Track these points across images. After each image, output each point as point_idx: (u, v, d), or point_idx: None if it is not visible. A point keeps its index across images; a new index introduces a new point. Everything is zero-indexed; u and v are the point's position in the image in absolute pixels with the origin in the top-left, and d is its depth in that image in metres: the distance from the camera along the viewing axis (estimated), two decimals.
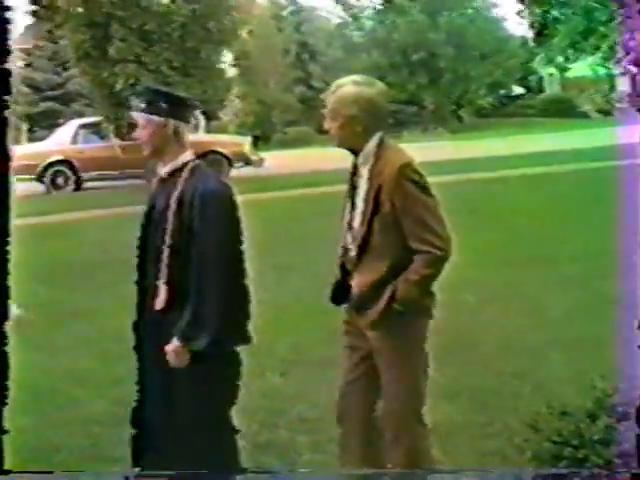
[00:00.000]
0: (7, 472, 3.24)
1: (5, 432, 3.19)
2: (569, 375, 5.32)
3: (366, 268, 3.65)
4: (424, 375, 3.81)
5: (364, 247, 3.64)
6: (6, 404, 3.14)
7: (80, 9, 19.76)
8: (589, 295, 7.51)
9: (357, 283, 3.70)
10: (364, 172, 3.67)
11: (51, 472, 3.98)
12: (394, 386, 3.70)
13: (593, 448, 3.49)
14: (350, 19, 39.72)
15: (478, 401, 5.27)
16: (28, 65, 35.67)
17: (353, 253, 3.70)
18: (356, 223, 3.68)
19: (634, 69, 3.30)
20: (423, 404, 3.79)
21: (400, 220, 3.55)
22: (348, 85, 3.65)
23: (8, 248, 3.08)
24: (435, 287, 3.70)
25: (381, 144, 3.66)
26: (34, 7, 24.79)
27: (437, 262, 3.55)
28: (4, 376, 3.15)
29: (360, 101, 3.59)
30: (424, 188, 3.59)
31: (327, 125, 3.70)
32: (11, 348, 7.05)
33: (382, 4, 39.02)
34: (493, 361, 6.08)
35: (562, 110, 35.32)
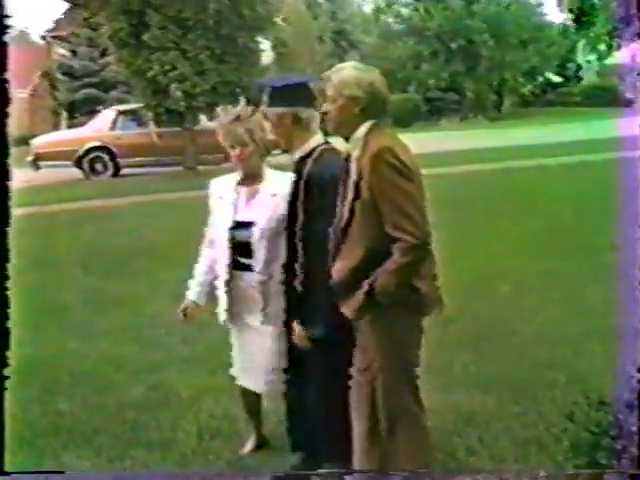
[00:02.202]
0: (7, 474, 3.26)
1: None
2: (606, 366, 5.27)
3: (345, 254, 3.60)
4: (410, 373, 3.67)
5: (345, 233, 3.59)
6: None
7: None
8: (627, 285, 7.40)
9: (336, 270, 3.63)
10: (353, 157, 3.61)
11: (49, 472, 4.01)
12: (381, 379, 3.62)
13: (631, 439, 3.46)
14: (384, 6, 39.45)
15: (513, 390, 5.24)
16: (66, 52, 35.94)
17: (338, 239, 3.64)
18: (345, 209, 3.61)
19: None
20: (411, 402, 3.67)
21: (378, 206, 3.46)
22: (349, 68, 3.68)
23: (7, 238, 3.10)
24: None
25: (372, 130, 3.60)
26: None
27: (412, 250, 3.41)
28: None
29: (362, 83, 3.60)
30: (403, 173, 3.45)
31: (325, 108, 3.70)
32: (51, 334, 7.12)
33: None
34: (528, 351, 6.04)
35: (604, 98, 34.77)
